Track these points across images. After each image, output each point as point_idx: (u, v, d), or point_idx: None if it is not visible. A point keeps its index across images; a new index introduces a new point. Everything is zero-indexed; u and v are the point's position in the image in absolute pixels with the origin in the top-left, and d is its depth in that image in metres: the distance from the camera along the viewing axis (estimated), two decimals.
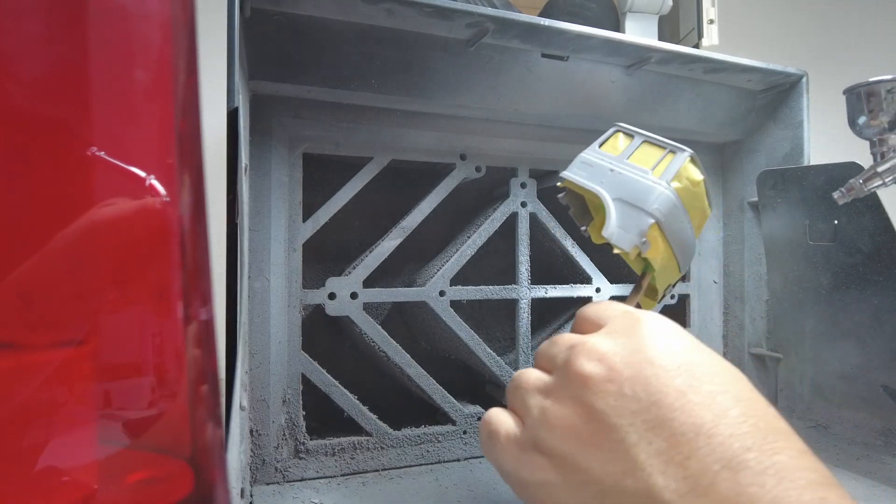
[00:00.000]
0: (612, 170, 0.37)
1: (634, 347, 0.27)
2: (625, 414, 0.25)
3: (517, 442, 0.28)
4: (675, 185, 0.37)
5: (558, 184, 0.40)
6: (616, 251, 0.36)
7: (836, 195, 0.46)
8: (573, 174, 0.38)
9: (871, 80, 0.45)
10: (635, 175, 0.37)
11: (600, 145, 0.40)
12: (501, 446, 0.29)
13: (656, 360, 0.26)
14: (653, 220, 0.35)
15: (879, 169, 0.44)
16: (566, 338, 0.30)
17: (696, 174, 0.38)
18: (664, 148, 0.38)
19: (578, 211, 0.41)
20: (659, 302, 0.42)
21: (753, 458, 0.22)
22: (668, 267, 0.39)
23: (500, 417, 0.30)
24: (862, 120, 0.46)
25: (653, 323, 0.28)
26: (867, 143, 0.47)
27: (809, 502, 0.21)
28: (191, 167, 0.20)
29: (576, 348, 0.28)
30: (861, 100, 0.46)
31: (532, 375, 0.30)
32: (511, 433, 0.29)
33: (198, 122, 0.20)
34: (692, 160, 0.38)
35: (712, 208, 0.41)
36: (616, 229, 0.35)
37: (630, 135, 0.40)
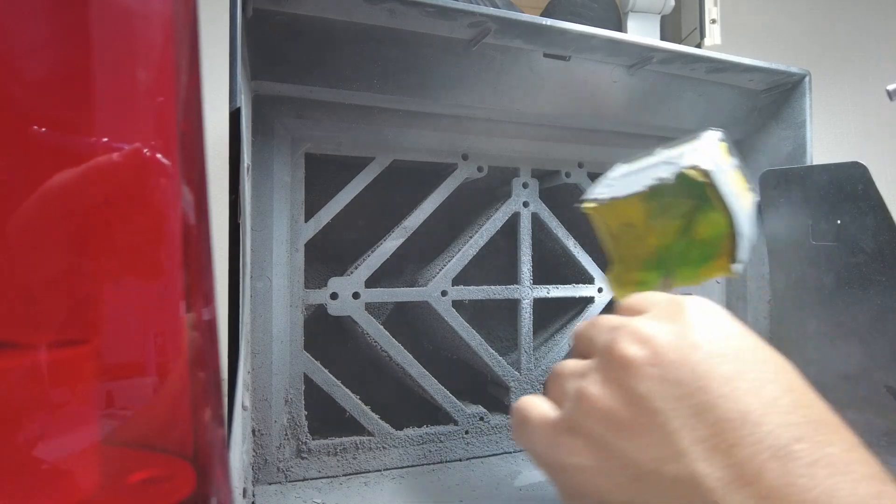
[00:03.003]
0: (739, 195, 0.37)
1: (680, 331, 0.25)
2: (668, 399, 0.24)
3: (552, 425, 0.27)
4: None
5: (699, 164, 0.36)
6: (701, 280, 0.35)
7: (890, 88, 0.43)
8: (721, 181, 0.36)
9: None
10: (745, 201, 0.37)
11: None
12: (533, 428, 0.28)
13: (703, 344, 0.25)
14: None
15: None
16: (607, 319, 0.29)
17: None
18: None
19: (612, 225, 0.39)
20: None
21: (804, 449, 0.21)
22: None
23: (533, 401, 0.29)
24: None
25: (700, 308, 0.27)
26: (870, 143, 0.45)
27: (865, 496, 0.20)
28: (193, 167, 0.20)
29: (619, 330, 0.27)
30: None
31: (570, 363, 0.29)
32: (544, 416, 0.28)
33: (200, 122, 0.20)
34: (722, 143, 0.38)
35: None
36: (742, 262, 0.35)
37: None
